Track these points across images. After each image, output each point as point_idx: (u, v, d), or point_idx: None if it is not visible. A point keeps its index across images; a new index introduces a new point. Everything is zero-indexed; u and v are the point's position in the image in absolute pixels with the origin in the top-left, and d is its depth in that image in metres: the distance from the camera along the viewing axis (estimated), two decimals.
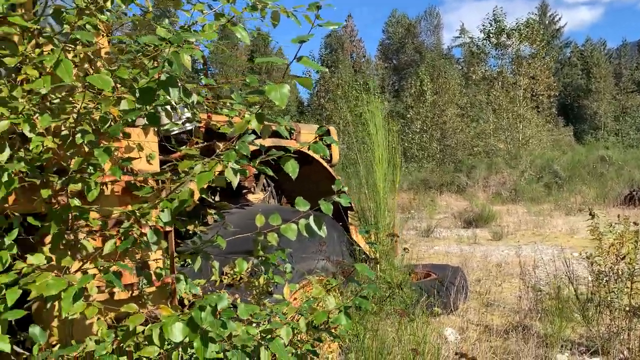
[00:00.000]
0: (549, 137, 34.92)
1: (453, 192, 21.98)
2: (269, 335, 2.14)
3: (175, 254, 3.01)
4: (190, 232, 3.94)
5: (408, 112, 32.72)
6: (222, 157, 2.05)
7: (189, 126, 4.09)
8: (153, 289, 2.88)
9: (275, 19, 3.16)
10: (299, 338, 2.98)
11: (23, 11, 2.74)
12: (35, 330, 1.56)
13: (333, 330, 2.64)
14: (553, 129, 39.94)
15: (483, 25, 36.16)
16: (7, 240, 2.10)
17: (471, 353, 3.70)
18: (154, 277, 2.65)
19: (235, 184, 2.15)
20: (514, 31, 34.25)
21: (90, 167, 2.19)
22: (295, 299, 3.68)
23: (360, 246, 4.73)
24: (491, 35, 35.59)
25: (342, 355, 3.81)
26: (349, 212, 5.02)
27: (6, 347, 1.77)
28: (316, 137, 2.33)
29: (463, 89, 36.78)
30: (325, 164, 4.76)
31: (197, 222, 4.04)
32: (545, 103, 36.81)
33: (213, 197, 4.63)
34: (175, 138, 4.17)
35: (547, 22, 61.95)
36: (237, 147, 2.04)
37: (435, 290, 5.01)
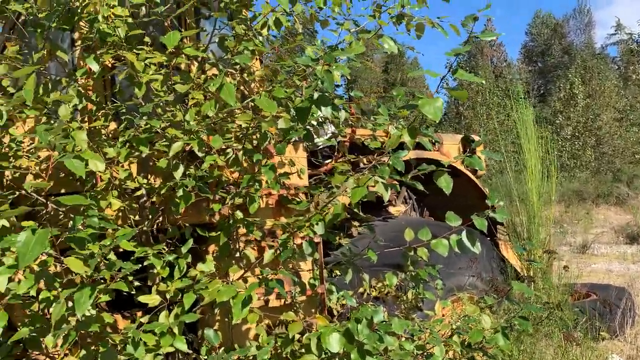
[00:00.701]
0: None
1: (612, 204, 19.90)
2: (423, 352, 2.10)
3: (323, 265, 3.10)
4: (335, 244, 4.04)
5: (557, 118, 30.35)
6: (376, 171, 2.07)
7: (333, 141, 4.20)
8: (304, 298, 2.99)
9: (420, 31, 3.14)
10: (449, 356, 2.89)
11: (189, 42, 3.03)
12: (209, 333, 1.70)
13: (487, 350, 2.52)
14: None
15: None
16: (184, 250, 2.32)
17: None
18: (307, 286, 2.75)
19: (386, 198, 2.16)
20: None
21: (257, 184, 2.35)
22: (443, 315, 3.58)
23: (511, 263, 4.47)
24: None
25: None
26: (498, 226, 4.78)
27: (183, 346, 1.95)
28: (471, 149, 2.25)
29: (621, 91, 33.27)
30: (472, 176, 4.59)
31: (341, 234, 4.12)
32: None
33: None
34: (321, 153, 4.32)
35: None
36: (390, 162, 2.05)
37: (597, 312, 4.55)
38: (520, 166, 5.20)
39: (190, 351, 2.67)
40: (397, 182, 5.26)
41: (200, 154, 2.31)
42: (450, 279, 3.62)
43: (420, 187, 2.32)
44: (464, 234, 2.38)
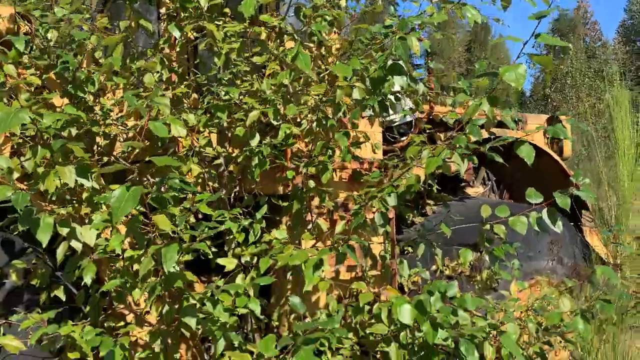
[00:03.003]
0: None
1: None
2: (496, 330, 2.04)
3: (396, 241, 3.08)
4: (409, 221, 3.98)
5: None
6: (452, 141, 2.01)
7: (409, 117, 4.12)
8: (375, 272, 2.98)
9: (506, 1, 2.99)
10: (525, 339, 2.79)
11: (269, 12, 3.06)
12: (295, 300, 1.74)
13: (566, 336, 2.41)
14: None
15: None
16: (258, 215, 2.38)
17: None
18: (378, 260, 2.74)
19: (463, 170, 2.10)
20: None
21: (330, 151, 2.35)
22: (519, 299, 3.45)
23: (596, 250, 4.23)
24: None
25: None
26: (583, 211, 4.51)
27: (257, 308, 2.01)
28: (555, 119, 2.12)
29: None
30: (557, 157, 4.35)
31: (415, 212, 4.06)
32: None
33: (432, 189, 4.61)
34: (397, 129, 4.25)
35: None
36: (467, 130, 1.98)
37: None
38: (611, 151, 4.85)
39: (263, 316, 2.76)
40: (473, 155, 5.02)
41: (275, 123, 2.35)
42: (529, 263, 3.48)
43: (499, 159, 2.23)
44: (544, 212, 2.27)
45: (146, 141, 2.84)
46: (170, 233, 1.80)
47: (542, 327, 2.42)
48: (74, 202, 2.17)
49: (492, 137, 2.37)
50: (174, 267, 1.68)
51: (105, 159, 2.64)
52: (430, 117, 4.11)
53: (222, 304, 1.99)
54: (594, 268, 2.35)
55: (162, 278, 1.83)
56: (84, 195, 2.27)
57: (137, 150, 2.85)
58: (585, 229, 4.46)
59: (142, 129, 2.64)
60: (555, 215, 2.28)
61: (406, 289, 3.18)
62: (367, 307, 2.29)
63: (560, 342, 2.91)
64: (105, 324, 2.29)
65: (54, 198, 2.21)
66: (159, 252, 1.67)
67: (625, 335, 3.36)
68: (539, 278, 2.96)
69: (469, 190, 5.34)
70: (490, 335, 2.14)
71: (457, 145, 2.00)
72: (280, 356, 1.78)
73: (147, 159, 2.80)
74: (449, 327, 1.82)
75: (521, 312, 2.33)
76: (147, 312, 2.46)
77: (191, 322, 1.82)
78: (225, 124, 2.75)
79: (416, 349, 1.98)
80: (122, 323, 2.24)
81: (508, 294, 2.56)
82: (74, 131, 2.38)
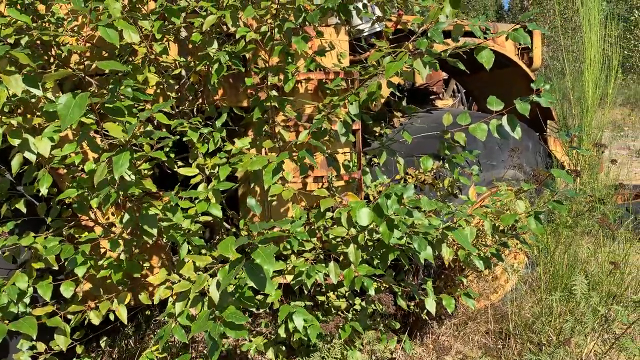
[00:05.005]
0: None
1: None
2: (451, 229, 2.11)
3: (362, 152, 3.10)
4: (377, 134, 4.00)
5: (632, 14, 27.83)
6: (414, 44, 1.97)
7: (378, 27, 4.03)
8: (341, 182, 3.02)
9: None
10: (482, 241, 2.91)
11: None
12: (252, 201, 1.75)
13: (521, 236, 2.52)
14: None
15: None
16: (218, 123, 2.35)
17: None
18: (342, 171, 2.76)
19: (424, 76, 2.08)
20: None
21: (289, 57, 2.29)
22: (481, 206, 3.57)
23: (558, 158, 4.34)
24: None
25: (529, 268, 3.65)
26: (548, 121, 4.58)
27: (218, 212, 2.03)
28: (514, 27, 2.09)
29: None
30: (525, 68, 4.34)
31: (383, 124, 4.07)
32: None
33: (400, 101, 4.59)
34: (365, 40, 4.16)
35: None
36: (429, 33, 1.94)
37: None
38: (580, 64, 4.84)
39: (229, 226, 2.81)
40: (442, 72, 4.98)
41: (234, 29, 2.26)
42: (491, 172, 3.56)
43: (462, 66, 2.21)
44: (504, 118, 2.29)
45: (104, 52, 2.74)
46: (123, 140, 1.77)
47: (499, 229, 2.52)
48: (27, 114, 2.11)
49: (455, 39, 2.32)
50: (128, 175, 1.67)
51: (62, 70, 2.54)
52: (399, 26, 4.01)
53: (184, 212, 2.00)
54: (550, 172, 2.42)
55: (118, 186, 1.82)
56: (40, 106, 2.21)
57: (94, 65, 2.75)
58: (549, 139, 4.55)
59: (98, 42, 2.54)
60: (515, 122, 2.31)
61: (371, 198, 3.25)
62: (329, 214, 2.33)
63: (517, 244, 3.05)
64: (69, 234, 2.30)
65: (6, 110, 2.14)
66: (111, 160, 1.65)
67: (580, 238, 3.54)
68: (499, 184, 3.04)
69: (439, 102, 5.37)
70: (448, 236, 2.22)
71: (419, 49, 1.97)
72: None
73: (106, 71, 2.73)
74: (404, 228, 1.88)
75: (479, 217, 2.41)
76: (113, 225, 2.48)
77: (152, 230, 1.84)
78: (184, 34, 2.65)
79: (373, 249, 2.05)
80: (86, 233, 2.26)
81: (466, 198, 2.64)
82: (23, 41, 2.27)
